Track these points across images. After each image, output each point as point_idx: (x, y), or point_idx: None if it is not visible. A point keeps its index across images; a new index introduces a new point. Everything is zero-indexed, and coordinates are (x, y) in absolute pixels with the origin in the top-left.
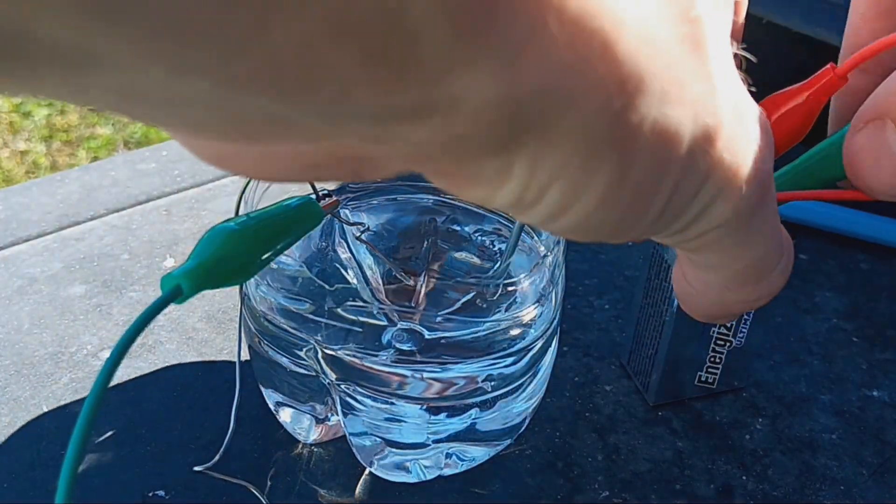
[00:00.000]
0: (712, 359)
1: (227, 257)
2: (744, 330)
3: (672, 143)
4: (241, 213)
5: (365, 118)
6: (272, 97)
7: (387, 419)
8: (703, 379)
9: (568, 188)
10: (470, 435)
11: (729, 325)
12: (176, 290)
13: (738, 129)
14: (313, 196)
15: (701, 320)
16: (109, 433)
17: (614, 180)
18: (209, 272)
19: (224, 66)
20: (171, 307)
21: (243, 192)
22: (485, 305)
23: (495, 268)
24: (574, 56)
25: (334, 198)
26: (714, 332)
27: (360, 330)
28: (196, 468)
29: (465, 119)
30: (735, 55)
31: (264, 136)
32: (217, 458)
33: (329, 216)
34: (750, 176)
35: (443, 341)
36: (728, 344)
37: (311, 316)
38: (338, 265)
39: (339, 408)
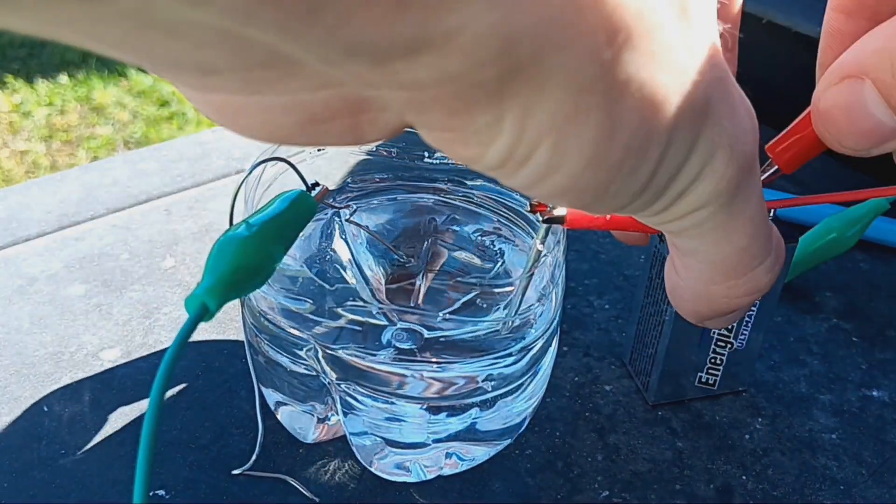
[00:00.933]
0: (713, 360)
1: (243, 266)
2: (745, 332)
3: (659, 107)
4: (236, 214)
5: (362, 56)
6: (276, 26)
7: (387, 419)
8: (703, 380)
9: (557, 145)
10: (470, 435)
11: (730, 326)
12: (202, 310)
13: (723, 106)
14: (304, 189)
15: (690, 319)
16: (112, 433)
17: (602, 138)
18: (230, 284)
19: None
20: (170, 307)
21: (235, 195)
22: (485, 305)
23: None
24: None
25: (323, 186)
26: (714, 333)
27: (360, 330)
28: (234, 472)
29: (459, 55)
30: (722, 35)
31: (266, 81)
32: (254, 458)
33: (333, 214)
34: (733, 156)
35: (442, 341)
36: (729, 346)
37: (311, 316)
38: (338, 265)
39: (339, 407)
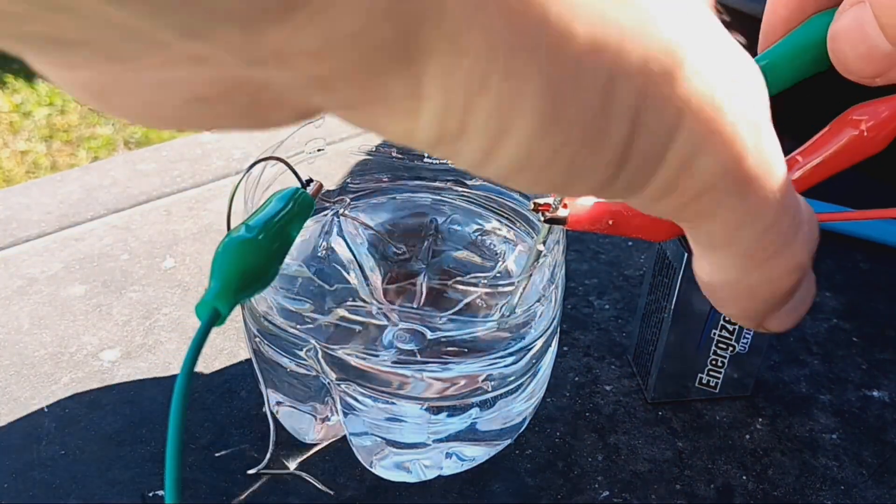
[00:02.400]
0: (713, 362)
1: (250, 268)
2: (747, 336)
3: (617, 55)
4: (236, 214)
5: (228, 22)
6: None
7: (387, 419)
8: (704, 381)
9: (493, 109)
10: (470, 435)
11: (731, 329)
12: (214, 315)
13: (712, 63)
14: (298, 186)
15: (745, 323)
16: (109, 433)
17: (546, 97)
18: (239, 287)
19: None
20: (170, 307)
21: (232, 196)
22: (485, 306)
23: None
24: None
25: (317, 182)
26: (715, 334)
27: (360, 330)
28: (249, 471)
29: (339, 10)
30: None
31: (129, 56)
32: (267, 457)
33: (332, 214)
34: (736, 125)
35: (443, 341)
36: (731, 349)
37: (310, 316)
38: (338, 265)
39: (339, 408)
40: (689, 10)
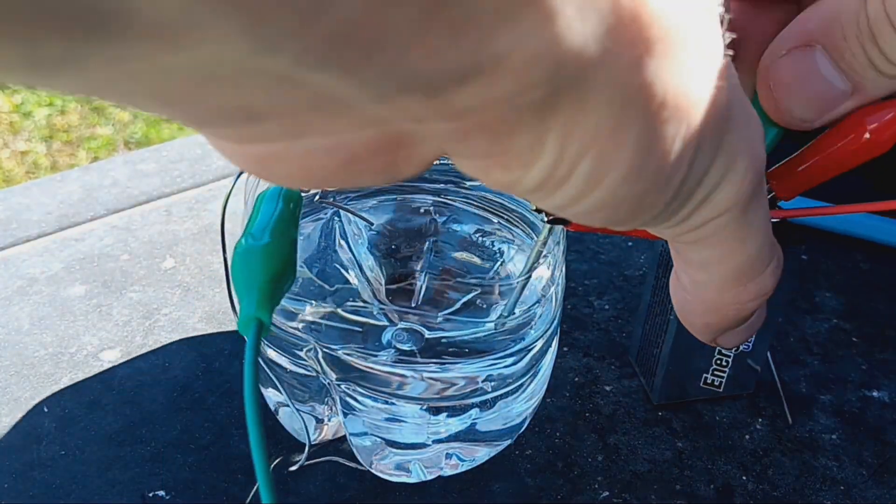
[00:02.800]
0: (718, 361)
1: (275, 271)
2: None
3: (691, 114)
4: (238, 216)
5: (416, 90)
6: (339, 68)
7: (387, 419)
8: (708, 381)
9: (597, 161)
10: (470, 435)
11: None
12: (259, 327)
13: (740, 111)
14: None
15: (702, 336)
16: (110, 433)
17: (641, 150)
18: (272, 293)
19: (302, 31)
20: (170, 307)
21: (226, 202)
22: (485, 306)
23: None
24: (612, 13)
25: None
26: None
27: (361, 330)
28: (292, 468)
29: (509, 78)
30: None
31: (311, 124)
32: (307, 449)
33: (332, 214)
34: (750, 158)
35: (443, 341)
36: (735, 347)
37: (311, 316)
38: (338, 265)
39: (339, 408)
40: (731, 74)
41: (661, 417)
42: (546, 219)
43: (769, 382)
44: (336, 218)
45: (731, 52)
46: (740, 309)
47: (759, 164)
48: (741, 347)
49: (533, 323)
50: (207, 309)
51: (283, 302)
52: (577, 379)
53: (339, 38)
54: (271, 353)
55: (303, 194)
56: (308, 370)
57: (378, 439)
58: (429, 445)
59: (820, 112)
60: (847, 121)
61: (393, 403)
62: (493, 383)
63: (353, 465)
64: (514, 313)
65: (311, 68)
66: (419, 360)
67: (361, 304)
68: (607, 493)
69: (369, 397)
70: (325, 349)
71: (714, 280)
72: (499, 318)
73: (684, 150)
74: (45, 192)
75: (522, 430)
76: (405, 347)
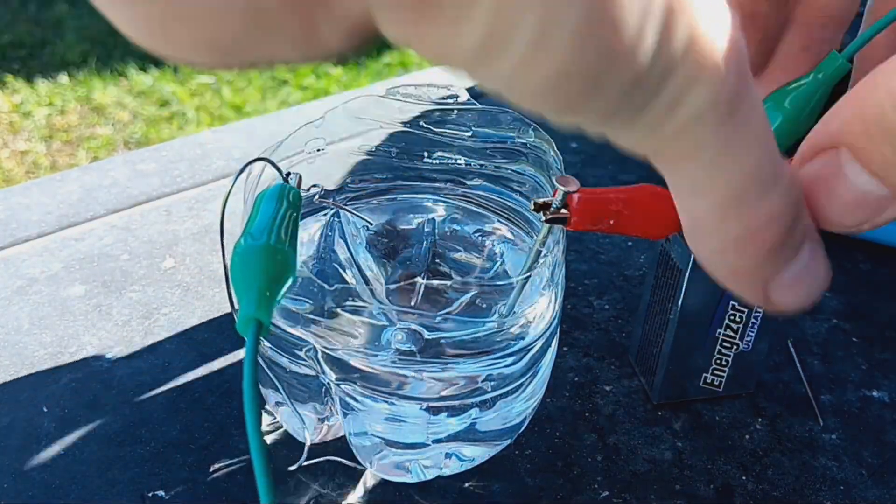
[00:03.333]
0: (718, 361)
1: (274, 272)
2: (751, 334)
3: None
4: (238, 216)
5: None
6: None
7: (387, 419)
8: (708, 381)
9: (542, 14)
10: (470, 435)
11: (735, 328)
12: (259, 326)
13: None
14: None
15: (745, 294)
16: (110, 433)
17: (595, 7)
18: (270, 293)
19: None
20: (170, 307)
21: (225, 202)
22: (485, 306)
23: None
24: None
25: (296, 174)
26: (720, 333)
27: (361, 330)
28: (291, 468)
29: None
30: None
31: None
32: (303, 459)
33: (332, 214)
34: (726, 56)
35: (443, 341)
36: (735, 347)
37: (310, 316)
38: (337, 265)
39: (339, 408)
40: None
41: (661, 417)
42: (545, 218)
43: (768, 382)
44: (336, 218)
45: None
46: (757, 240)
47: (738, 62)
48: (740, 347)
49: (532, 323)
50: (207, 309)
51: (282, 302)
52: (576, 379)
53: None
54: (271, 353)
55: (302, 194)
56: (308, 370)
57: (378, 439)
58: (429, 445)
59: (860, 220)
60: None
61: (393, 403)
62: (492, 383)
63: (353, 465)
64: (514, 313)
65: None
66: (419, 359)
67: (361, 304)
68: (607, 493)
69: (369, 397)
70: (324, 349)
71: (715, 207)
72: (501, 318)
73: (647, 19)
74: (45, 191)
75: (522, 430)
76: (405, 347)
